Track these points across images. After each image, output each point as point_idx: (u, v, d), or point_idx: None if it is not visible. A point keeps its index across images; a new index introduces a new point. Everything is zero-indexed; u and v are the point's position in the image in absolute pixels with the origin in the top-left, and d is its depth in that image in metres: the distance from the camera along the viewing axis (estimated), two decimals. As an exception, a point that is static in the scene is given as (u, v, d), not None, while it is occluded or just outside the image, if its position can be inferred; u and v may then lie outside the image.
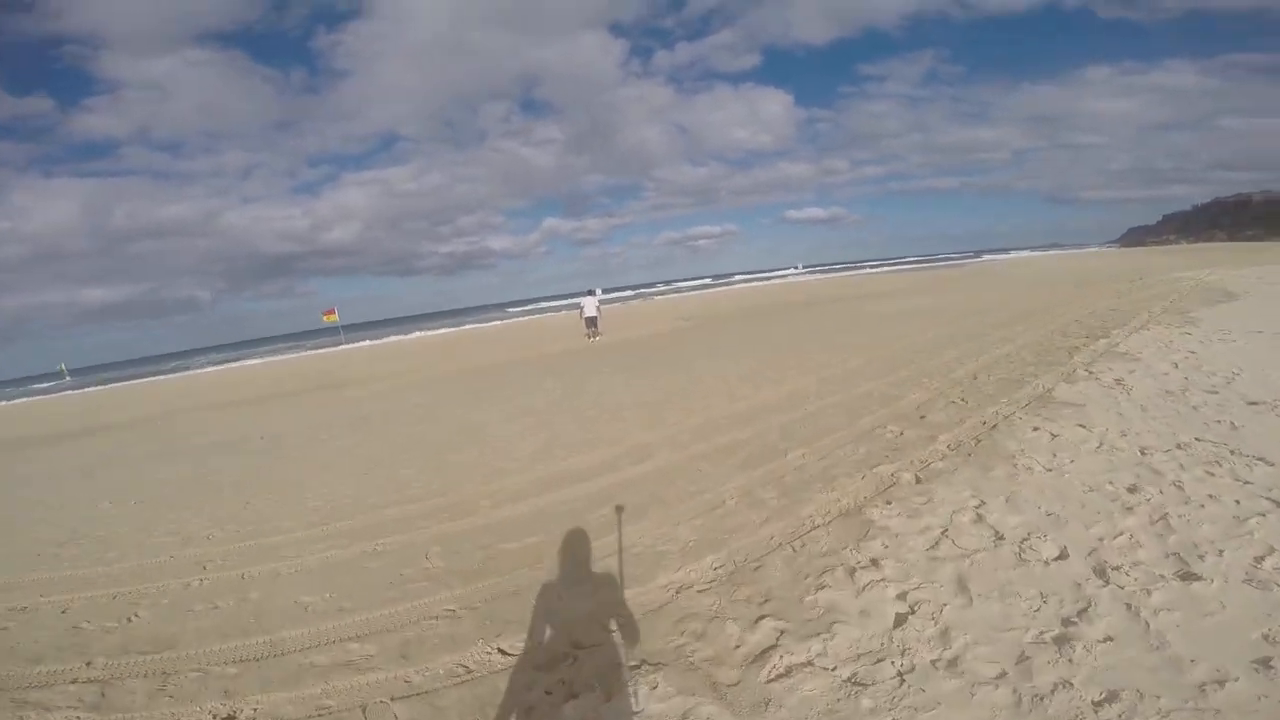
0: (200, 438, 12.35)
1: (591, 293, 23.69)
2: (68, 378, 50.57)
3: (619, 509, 5.12)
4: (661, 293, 70.98)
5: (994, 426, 6.17)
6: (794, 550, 4.17)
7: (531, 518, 5.32)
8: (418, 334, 50.69)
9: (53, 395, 39.50)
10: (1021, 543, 3.89)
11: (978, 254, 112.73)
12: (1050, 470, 4.94)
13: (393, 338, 51.02)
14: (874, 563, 3.88)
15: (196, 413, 17.20)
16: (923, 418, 6.72)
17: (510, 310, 75.76)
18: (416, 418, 10.67)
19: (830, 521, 4.52)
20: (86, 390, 41.65)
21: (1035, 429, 5.95)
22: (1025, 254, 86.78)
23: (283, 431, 11.58)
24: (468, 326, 53.59)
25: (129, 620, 4.45)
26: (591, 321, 22.54)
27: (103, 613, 4.62)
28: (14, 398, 41.39)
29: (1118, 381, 7.15)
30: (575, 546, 4.61)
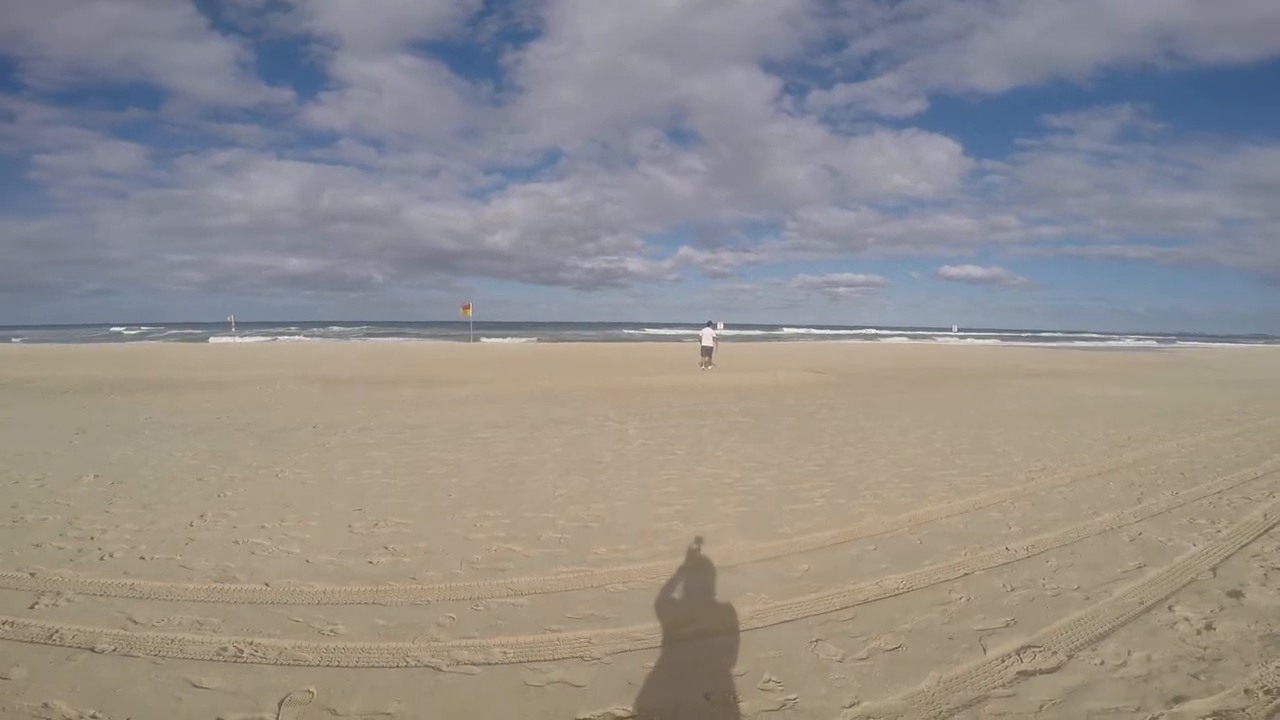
0: (263, 412, 11.31)
1: (711, 324, 24.11)
2: (234, 329, 55.98)
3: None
4: (793, 338, 66.91)
5: None
6: None
7: (481, 698, 2.94)
8: (539, 342, 51.00)
9: (206, 344, 43.62)
10: None
11: (1169, 338, 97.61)
12: None
13: (519, 340, 51.72)
14: None
15: (292, 383, 16.68)
16: (1235, 595, 3.68)
17: (629, 332, 75.01)
18: (471, 442, 8.73)
19: None
20: (241, 340, 45.96)
21: None
22: (1232, 345, 73.07)
23: (342, 424, 10.16)
24: (590, 343, 53.25)
25: None
26: (707, 351, 23.21)
27: None
28: (178, 340, 46.62)
29: None
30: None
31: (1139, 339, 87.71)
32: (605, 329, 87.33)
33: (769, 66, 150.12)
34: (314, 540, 4.91)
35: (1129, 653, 3.09)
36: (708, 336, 23.51)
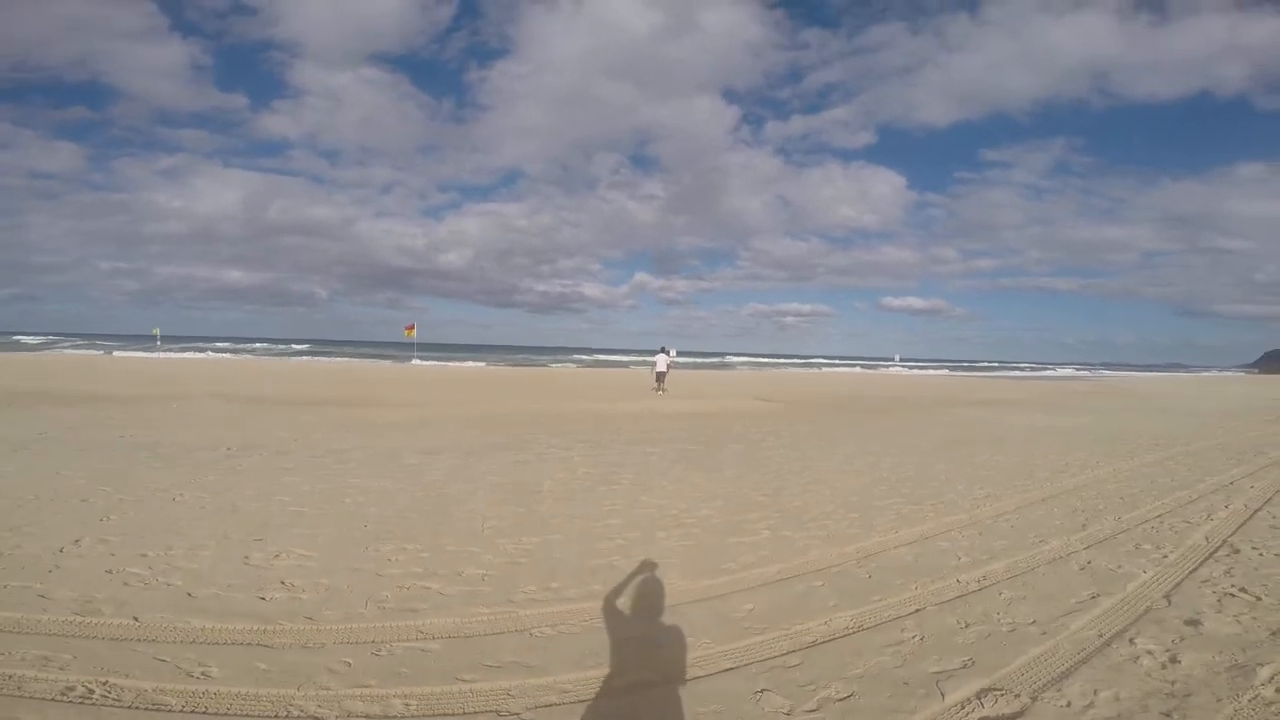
0: (175, 431, 10.38)
1: (665, 350, 24.57)
2: (159, 342, 52.66)
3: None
4: (743, 366, 67.74)
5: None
6: None
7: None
8: (486, 365, 50.00)
9: (122, 355, 40.66)
10: None
11: (1095, 368, 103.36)
12: None
13: (467, 363, 50.49)
14: None
15: (214, 401, 15.58)
16: (1194, 623, 3.54)
17: (579, 357, 74.64)
18: (398, 469, 8.15)
19: None
20: (162, 355, 43.20)
21: None
22: (1152, 374, 77.85)
23: (259, 445, 9.39)
24: (541, 367, 52.55)
25: None
26: (660, 376, 23.87)
27: None
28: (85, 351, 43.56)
29: None
30: None
31: (1068, 369, 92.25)
32: (559, 353, 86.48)
33: (731, 96, 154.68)
34: (201, 572, 4.37)
35: (1095, 692, 2.87)
36: (661, 362, 24.19)
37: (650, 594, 4.14)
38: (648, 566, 4.61)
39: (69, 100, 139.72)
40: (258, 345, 72.58)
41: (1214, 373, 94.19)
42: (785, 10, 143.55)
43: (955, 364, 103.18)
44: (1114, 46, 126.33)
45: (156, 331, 50.53)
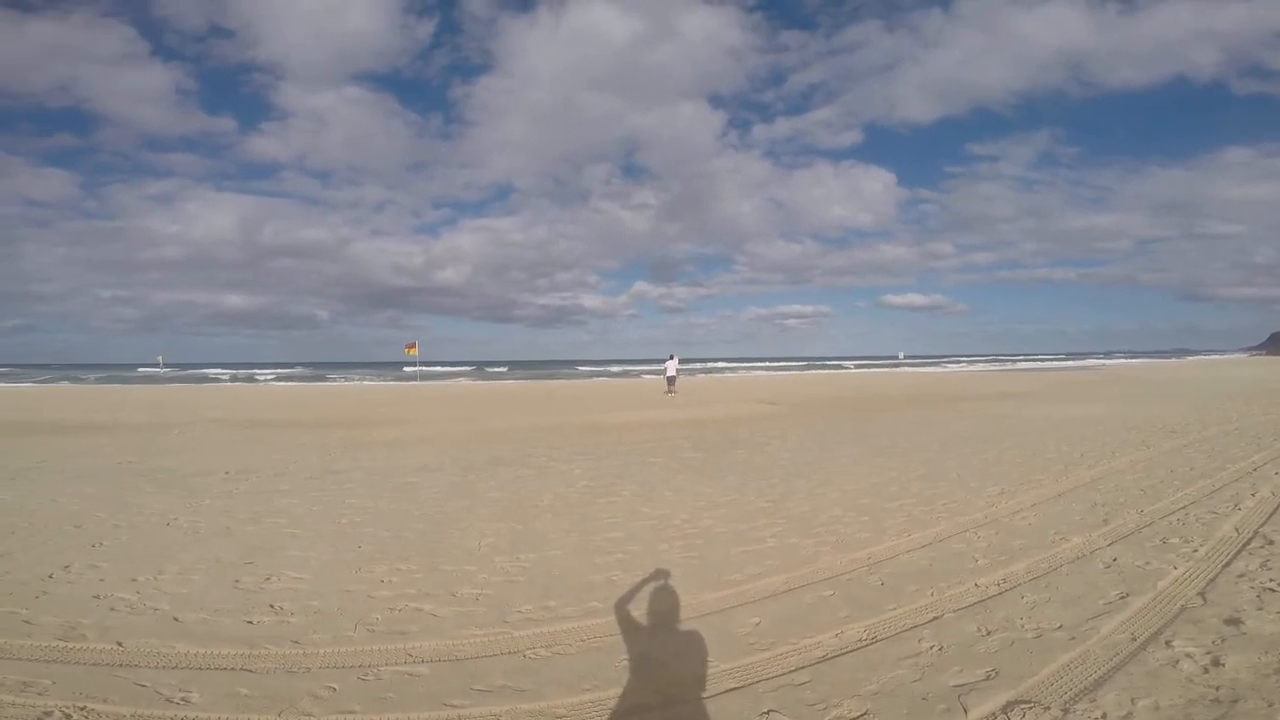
0: (172, 457, 10.24)
1: (672, 356, 26.85)
2: (162, 369, 52.57)
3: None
4: (746, 371, 67.52)
5: None
6: None
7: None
8: (488, 382, 49.90)
9: (121, 385, 40.48)
10: None
11: (1112, 354, 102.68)
12: None
13: (466, 380, 50.40)
14: None
15: (209, 427, 15.44)
16: (1234, 622, 3.35)
17: (584, 369, 74.59)
18: (394, 488, 7.96)
19: None
20: (164, 385, 43.03)
21: None
22: (1158, 360, 77.22)
23: (257, 469, 9.24)
24: (542, 380, 52.46)
25: None
26: (671, 380, 26.18)
27: None
28: (95, 381, 43.26)
29: None
30: None
31: (1072, 359, 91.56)
32: (561, 366, 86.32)
33: (716, 101, 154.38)
34: (190, 596, 4.27)
35: (1133, 701, 2.66)
36: (671, 367, 26.23)
37: (650, 610, 3.95)
38: (648, 581, 4.42)
39: (55, 127, 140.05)
40: (259, 369, 72.73)
41: (1220, 356, 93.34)
42: (763, 13, 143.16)
43: (958, 358, 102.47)
44: (1085, 35, 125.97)
45: (160, 359, 50.52)
